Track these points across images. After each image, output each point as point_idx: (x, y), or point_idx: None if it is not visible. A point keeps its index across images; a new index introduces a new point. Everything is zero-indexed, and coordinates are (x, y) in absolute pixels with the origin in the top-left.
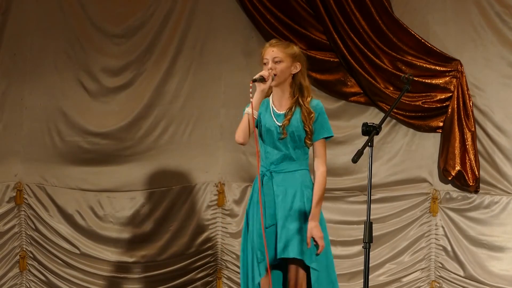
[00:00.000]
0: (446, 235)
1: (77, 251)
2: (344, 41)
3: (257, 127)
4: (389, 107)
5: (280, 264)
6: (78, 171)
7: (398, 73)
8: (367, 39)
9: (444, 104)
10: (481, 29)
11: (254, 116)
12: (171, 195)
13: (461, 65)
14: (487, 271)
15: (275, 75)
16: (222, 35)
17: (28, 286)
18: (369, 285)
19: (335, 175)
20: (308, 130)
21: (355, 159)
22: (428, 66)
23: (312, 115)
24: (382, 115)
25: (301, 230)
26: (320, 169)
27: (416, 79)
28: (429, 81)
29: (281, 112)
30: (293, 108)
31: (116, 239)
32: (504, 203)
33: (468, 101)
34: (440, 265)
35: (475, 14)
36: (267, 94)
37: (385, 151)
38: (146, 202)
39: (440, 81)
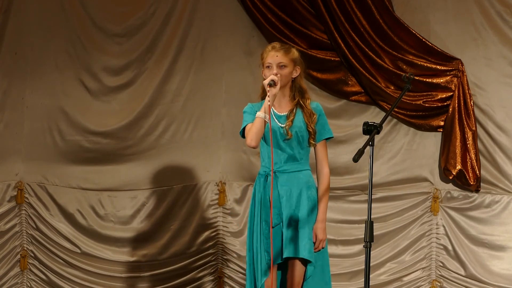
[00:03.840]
0: (447, 234)
1: (78, 250)
2: (345, 40)
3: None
4: (390, 106)
5: (280, 263)
6: (79, 170)
7: (399, 72)
8: (368, 38)
9: (445, 103)
10: (482, 28)
11: (266, 120)
12: (172, 194)
13: (462, 64)
14: (488, 270)
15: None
16: (223, 34)
17: (29, 285)
18: (370, 284)
19: (336, 174)
20: (311, 130)
21: (356, 158)
22: (429, 65)
23: (314, 116)
24: (383, 114)
25: (306, 230)
26: (324, 169)
27: (417, 78)
28: (430, 80)
29: (282, 114)
30: (295, 109)
31: (117, 238)
32: (505, 202)
33: (469, 100)
34: (441, 264)
35: (476, 13)
36: (262, 97)
37: (386, 150)
38: (147, 201)
39: (441, 80)
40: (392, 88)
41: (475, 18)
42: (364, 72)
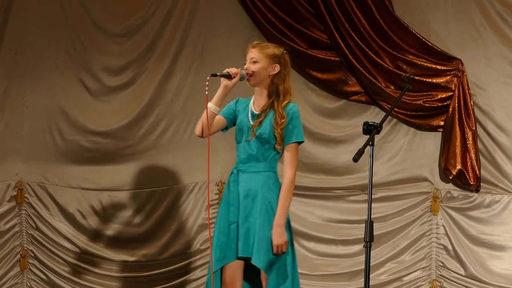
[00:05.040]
0: (447, 234)
1: (78, 250)
2: (345, 40)
3: (235, 124)
4: (390, 106)
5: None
6: (79, 170)
7: (399, 72)
8: (368, 38)
9: (445, 103)
10: (482, 28)
11: (214, 111)
12: (172, 194)
13: (462, 64)
14: (488, 270)
15: (250, 75)
16: (223, 34)
17: (29, 285)
18: (370, 284)
19: (336, 174)
20: (277, 135)
21: (356, 158)
22: (429, 65)
23: (284, 120)
24: (383, 114)
25: (260, 234)
26: (287, 173)
27: (417, 78)
28: (430, 80)
29: (257, 112)
30: (267, 110)
31: (117, 238)
32: (505, 202)
33: (469, 100)
34: (441, 264)
35: (476, 13)
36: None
37: (386, 150)
38: (147, 201)
39: (441, 80)
40: (392, 88)
41: (475, 18)
42: (364, 72)
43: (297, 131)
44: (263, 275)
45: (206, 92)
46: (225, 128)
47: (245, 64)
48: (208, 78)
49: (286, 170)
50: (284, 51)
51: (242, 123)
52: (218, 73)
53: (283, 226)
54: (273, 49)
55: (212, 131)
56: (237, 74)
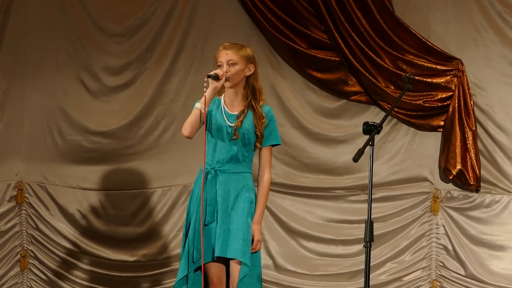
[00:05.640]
0: (447, 234)
1: (78, 250)
2: (345, 40)
3: (206, 123)
4: (390, 106)
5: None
6: (79, 170)
7: (399, 72)
8: (368, 38)
9: (445, 103)
10: (482, 28)
11: (203, 112)
12: (172, 194)
13: (462, 64)
14: (488, 270)
15: (228, 77)
16: (223, 34)
17: (29, 285)
18: (370, 284)
19: (336, 174)
20: (259, 134)
21: (356, 158)
22: (429, 65)
23: (264, 120)
24: (383, 114)
25: (240, 231)
26: (265, 175)
27: (417, 78)
28: (430, 80)
29: (233, 113)
30: (246, 110)
31: (117, 238)
32: (505, 202)
33: (469, 100)
34: (441, 264)
35: (476, 13)
36: (219, 93)
37: (386, 150)
38: (147, 201)
39: (441, 80)
40: (392, 88)
41: (475, 18)
42: (364, 72)
43: (275, 134)
44: (234, 270)
45: (205, 94)
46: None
47: (219, 66)
48: (205, 79)
49: (265, 172)
50: (252, 50)
51: (219, 123)
52: (211, 74)
53: (260, 224)
54: (247, 50)
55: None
56: (223, 76)
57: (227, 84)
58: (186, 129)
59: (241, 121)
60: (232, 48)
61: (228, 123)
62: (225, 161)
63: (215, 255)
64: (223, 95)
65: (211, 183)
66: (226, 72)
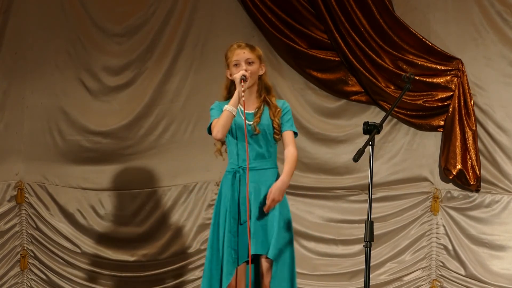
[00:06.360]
0: (447, 234)
1: (78, 250)
2: (345, 40)
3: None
4: (390, 106)
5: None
6: (79, 170)
7: (399, 72)
8: (368, 38)
9: (445, 103)
10: (482, 28)
11: (234, 114)
12: (172, 194)
13: (462, 64)
14: (488, 270)
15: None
16: (223, 34)
17: (29, 285)
18: (370, 284)
19: (336, 174)
20: (276, 126)
21: (356, 158)
22: (429, 65)
23: (279, 109)
24: (383, 114)
25: (275, 228)
26: (290, 150)
27: (417, 78)
28: (430, 80)
29: (250, 112)
30: (262, 106)
31: (117, 238)
32: (505, 202)
33: (469, 100)
34: (441, 264)
35: (476, 13)
36: (226, 98)
37: (386, 150)
38: (147, 201)
39: (441, 80)
40: (392, 88)
41: (475, 18)
42: (364, 71)
43: (292, 123)
44: (265, 269)
45: (243, 98)
46: None
47: (235, 65)
48: (242, 83)
49: (289, 148)
50: None
51: (239, 123)
52: (243, 78)
53: (286, 187)
54: (259, 50)
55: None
56: (248, 76)
57: (245, 83)
58: (219, 131)
59: (259, 117)
60: (248, 47)
61: (248, 122)
62: (252, 159)
63: (252, 252)
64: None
65: (241, 182)
66: (246, 70)
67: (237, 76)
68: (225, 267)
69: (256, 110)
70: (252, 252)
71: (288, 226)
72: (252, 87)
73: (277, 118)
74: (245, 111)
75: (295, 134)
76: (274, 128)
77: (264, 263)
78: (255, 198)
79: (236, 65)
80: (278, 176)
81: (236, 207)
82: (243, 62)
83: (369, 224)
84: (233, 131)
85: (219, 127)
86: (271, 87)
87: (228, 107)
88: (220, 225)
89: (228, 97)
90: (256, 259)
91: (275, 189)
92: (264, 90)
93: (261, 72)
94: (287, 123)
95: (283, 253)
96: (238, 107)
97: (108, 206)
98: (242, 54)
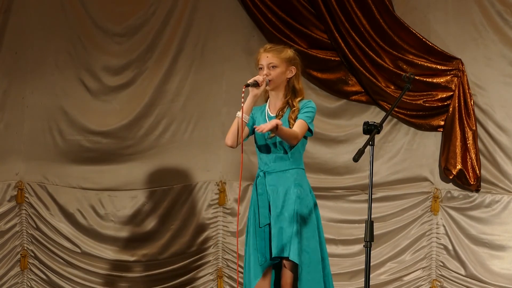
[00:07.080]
0: (447, 234)
1: (78, 250)
2: (345, 40)
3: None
4: (390, 106)
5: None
6: (79, 170)
7: (399, 72)
8: (368, 38)
9: (445, 103)
10: (482, 28)
11: (245, 120)
12: (172, 194)
13: (462, 64)
14: (488, 270)
15: (269, 80)
16: (223, 34)
17: (29, 285)
18: (370, 284)
19: (336, 173)
20: (291, 126)
21: (356, 158)
22: (429, 65)
23: (296, 108)
24: (383, 114)
25: (294, 229)
26: (296, 130)
27: (417, 78)
28: (430, 80)
29: (272, 115)
30: (285, 109)
31: (117, 238)
32: (505, 202)
33: (469, 100)
34: (441, 264)
35: (476, 13)
36: (265, 98)
37: (386, 150)
38: (147, 201)
39: (441, 80)
40: (392, 87)
41: (475, 18)
42: (364, 71)
43: (308, 116)
44: (285, 272)
45: (242, 104)
46: (247, 136)
47: (260, 69)
48: (243, 89)
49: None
50: (295, 51)
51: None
52: (249, 83)
53: (276, 125)
54: (287, 52)
55: (240, 140)
56: (263, 82)
57: (268, 87)
58: (229, 138)
59: (279, 119)
60: (272, 51)
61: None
62: (271, 161)
63: (273, 255)
64: (268, 100)
65: (261, 185)
66: (266, 75)
67: (249, 81)
68: (252, 270)
69: (278, 112)
70: (273, 254)
71: (307, 224)
72: (278, 91)
73: (292, 118)
74: (271, 115)
75: (310, 132)
76: (290, 125)
77: (286, 266)
78: (274, 201)
79: (260, 69)
80: (299, 176)
81: (257, 210)
82: (265, 67)
83: (369, 224)
84: (256, 135)
85: (228, 134)
86: (299, 89)
87: (238, 113)
88: (250, 227)
89: (265, 100)
90: (279, 261)
91: (267, 124)
92: (290, 93)
93: (289, 75)
94: (301, 115)
95: (308, 254)
96: (266, 110)
97: (108, 206)
98: (265, 58)
